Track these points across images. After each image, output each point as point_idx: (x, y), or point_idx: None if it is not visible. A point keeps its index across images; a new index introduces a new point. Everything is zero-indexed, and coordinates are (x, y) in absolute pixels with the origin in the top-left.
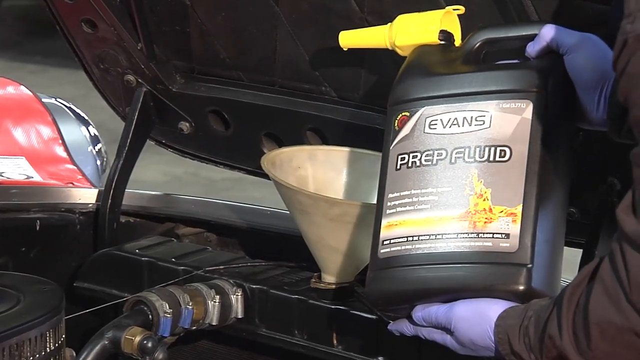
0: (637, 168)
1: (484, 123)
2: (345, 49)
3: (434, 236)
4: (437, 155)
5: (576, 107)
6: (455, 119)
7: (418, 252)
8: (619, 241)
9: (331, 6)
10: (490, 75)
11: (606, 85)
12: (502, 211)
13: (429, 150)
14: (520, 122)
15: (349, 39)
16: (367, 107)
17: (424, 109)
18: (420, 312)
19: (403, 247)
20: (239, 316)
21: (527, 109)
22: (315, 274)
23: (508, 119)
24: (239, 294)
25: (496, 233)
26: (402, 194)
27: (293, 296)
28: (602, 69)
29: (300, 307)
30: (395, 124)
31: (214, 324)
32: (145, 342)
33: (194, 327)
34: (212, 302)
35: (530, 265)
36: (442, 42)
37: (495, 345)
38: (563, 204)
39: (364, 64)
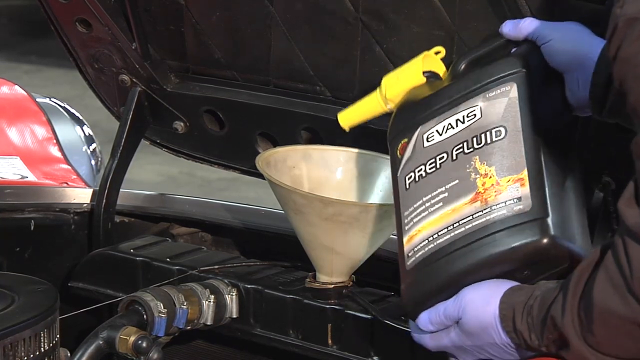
0: (637, 159)
1: (475, 116)
2: (347, 130)
3: (451, 226)
4: (440, 160)
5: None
6: (449, 123)
7: (440, 247)
8: (621, 235)
9: (326, 6)
10: (471, 76)
11: (584, 65)
12: (509, 180)
13: (431, 159)
14: (509, 103)
15: (347, 118)
16: None
17: (419, 128)
18: (427, 314)
19: (426, 249)
20: (234, 316)
21: (512, 90)
22: (310, 273)
23: (497, 104)
24: (234, 293)
25: (508, 200)
26: (415, 206)
27: (288, 296)
28: (576, 50)
29: (295, 306)
30: (398, 153)
31: (208, 323)
32: (139, 342)
33: (189, 327)
34: (207, 302)
35: (547, 217)
36: (428, 78)
37: (498, 324)
38: (571, 166)
39: (358, 64)
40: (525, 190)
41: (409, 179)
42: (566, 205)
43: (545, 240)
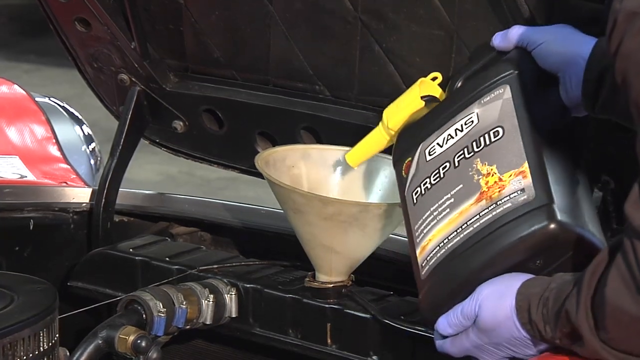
0: None
1: (473, 122)
2: (355, 167)
3: (460, 228)
4: (443, 169)
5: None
6: (449, 134)
7: (451, 250)
8: (630, 237)
9: (325, 5)
10: (465, 87)
11: (576, 64)
12: (510, 175)
13: (435, 170)
14: (504, 104)
15: (355, 157)
16: (361, 106)
17: (420, 145)
18: (445, 317)
19: (438, 255)
20: (233, 315)
21: (505, 91)
22: (309, 273)
23: (492, 107)
24: (233, 293)
25: (512, 193)
26: (424, 217)
27: (287, 295)
28: (567, 50)
29: (294, 306)
30: (403, 173)
31: (207, 323)
32: (139, 341)
33: (188, 327)
34: (206, 302)
35: (552, 203)
36: (427, 101)
37: (515, 316)
38: (575, 164)
39: (358, 63)
40: (528, 181)
41: (415, 194)
42: (573, 195)
43: (552, 226)
